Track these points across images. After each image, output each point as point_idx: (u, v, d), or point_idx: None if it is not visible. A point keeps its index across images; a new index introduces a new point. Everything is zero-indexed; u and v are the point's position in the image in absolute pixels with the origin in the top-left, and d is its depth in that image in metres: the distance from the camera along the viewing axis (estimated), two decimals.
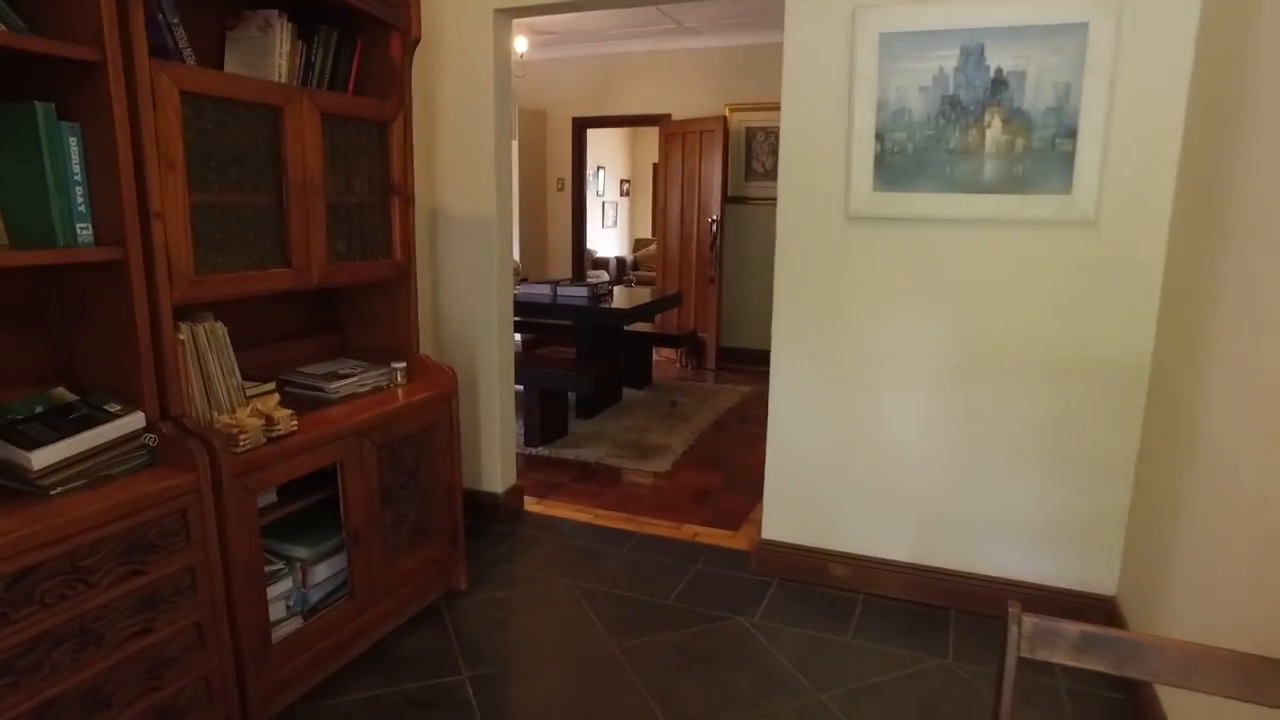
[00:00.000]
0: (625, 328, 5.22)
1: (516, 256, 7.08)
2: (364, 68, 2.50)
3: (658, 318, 6.32)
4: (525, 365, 4.38)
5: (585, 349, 4.92)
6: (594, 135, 11.39)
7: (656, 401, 5.39)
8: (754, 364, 6.64)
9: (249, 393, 2.14)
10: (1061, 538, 2.55)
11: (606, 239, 12.20)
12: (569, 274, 7.49)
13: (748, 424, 4.99)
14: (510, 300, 3.44)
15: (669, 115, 6.74)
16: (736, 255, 6.66)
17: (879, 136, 2.50)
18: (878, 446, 2.73)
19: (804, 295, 2.73)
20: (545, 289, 5.03)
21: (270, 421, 2.00)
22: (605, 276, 10.78)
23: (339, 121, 2.33)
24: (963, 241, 2.50)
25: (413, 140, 2.58)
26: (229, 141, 1.99)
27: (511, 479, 3.52)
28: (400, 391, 2.61)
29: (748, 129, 6.49)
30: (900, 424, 2.69)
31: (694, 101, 6.62)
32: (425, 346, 3.35)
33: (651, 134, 12.33)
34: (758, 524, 3.10)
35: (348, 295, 2.76)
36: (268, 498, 2.17)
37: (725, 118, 6.27)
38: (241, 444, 1.91)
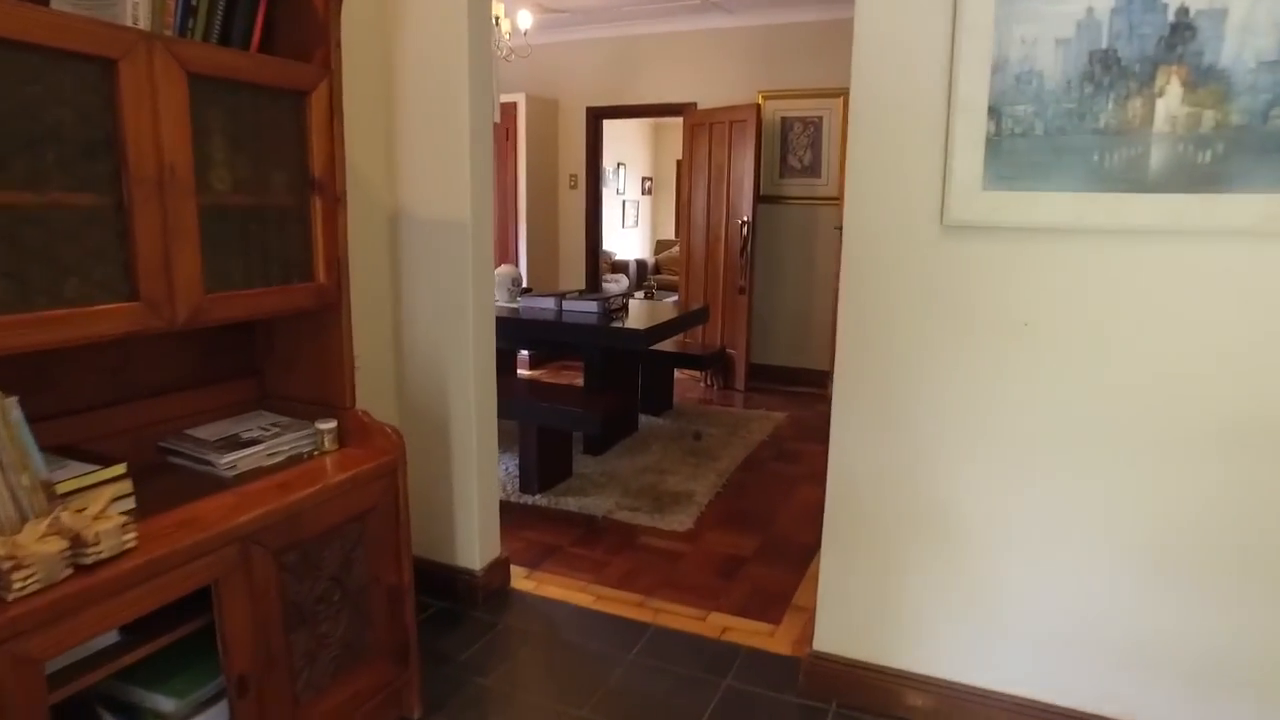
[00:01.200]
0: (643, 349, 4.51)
1: (523, 263, 6.39)
2: (274, 19, 1.81)
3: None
4: (521, 396, 3.68)
5: (595, 375, 4.21)
6: (613, 128, 10.69)
7: (678, 432, 4.66)
8: (788, 383, 5.89)
9: (70, 487, 1.45)
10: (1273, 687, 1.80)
11: (627, 240, 11.49)
12: (582, 281, 6.78)
13: (784, 462, 4.25)
14: (491, 325, 2.73)
15: (694, 104, 6.01)
16: (770, 261, 5.91)
17: (994, 112, 1.75)
18: (980, 535, 1.99)
19: (880, 332, 2.00)
20: (548, 304, 4.32)
21: (80, 542, 1.31)
22: (624, 282, 10.07)
23: (225, 89, 1.64)
24: (1119, 261, 1.75)
25: (342, 119, 1.88)
26: (23, 111, 1.30)
27: (495, 550, 2.82)
28: (328, 462, 1.92)
29: (783, 119, 5.74)
30: (1015, 506, 1.94)
31: (723, 88, 5.88)
32: (383, 388, 2.65)
33: (676, 127, 11.59)
34: (804, 614, 2.38)
35: (266, 327, 2.07)
36: (107, 637, 1.48)
37: (758, 106, 5.52)
38: (20, 586, 1.22)
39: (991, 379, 1.89)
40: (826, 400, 5.82)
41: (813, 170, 5.72)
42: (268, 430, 1.96)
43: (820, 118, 5.63)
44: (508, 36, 5.06)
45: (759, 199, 5.65)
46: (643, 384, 4.86)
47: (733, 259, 5.71)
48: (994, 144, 1.77)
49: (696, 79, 6.00)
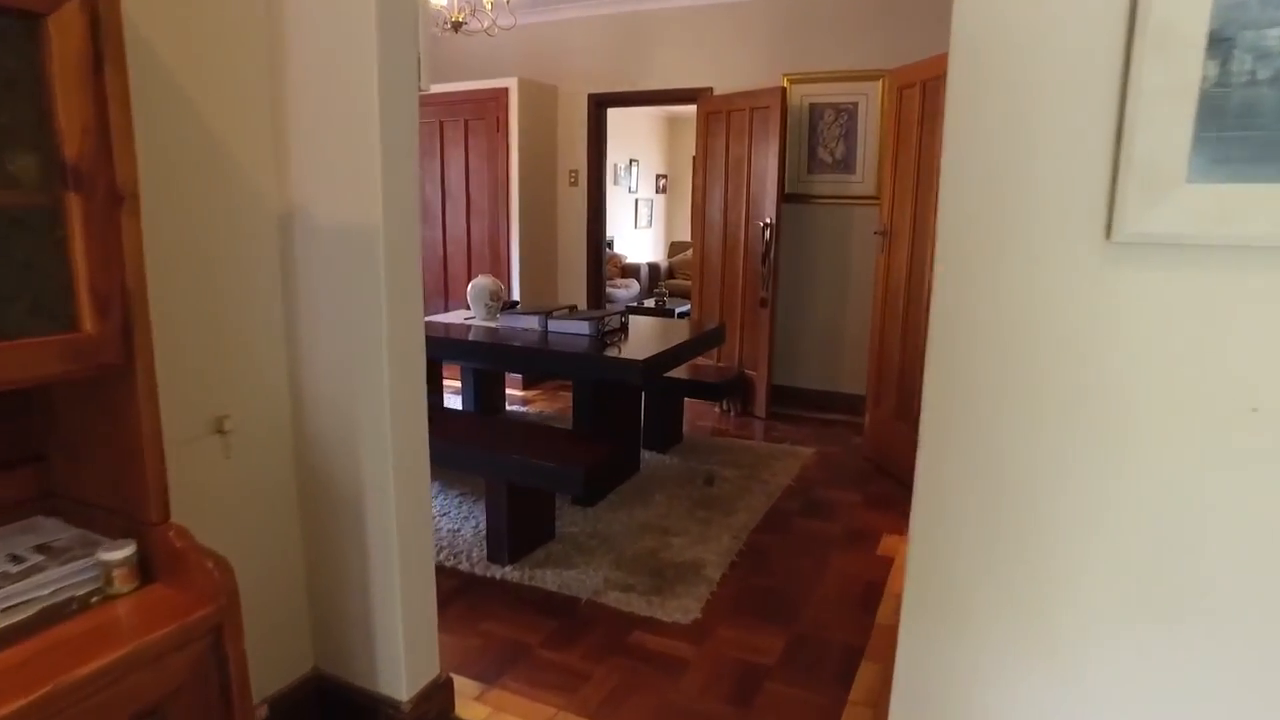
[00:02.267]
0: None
1: (515, 271, 5.67)
2: None
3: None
4: (484, 445, 2.96)
5: (585, 412, 3.48)
6: (624, 121, 9.97)
7: (687, 474, 3.93)
8: (816, 409, 5.13)
9: None
10: None
11: (640, 242, 10.76)
12: (583, 290, 6.06)
13: (814, 517, 3.50)
14: (420, 362, 2.01)
15: (710, 89, 5.27)
16: (795, 270, 5.16)
17: (1218, 43, 1.01)
18: None
19: (998, 400, 1.24)
20: (532, 323, 3.60)
21: None
22: (635, 288, 9.34)
23: None
24: None
25: (123, 66, 1.16)
26: None
27: (430, 669, 2.09)
28: (121, 608, 1.21)
29: (812, 106, 4.98)
30: (1233, 683, 1.19)
31: (742, 71, 5.14)
32: (272, 456, 1.93)
33: (693, 120, 10.85)
34: None
35: (45, 398, 1.36)
36: None
37: (783, 91, 4.77)
38: None
39: (1183, 504, 1.14)
40: (861, 430, 5.18)
41: (845, 165, 4.96)
42: (24, 559, 1.26)
43: (855, 104, 4.87)
44: (490, 8, 4.34)
45: (783, 198, 4.90)
46: (646, 413, 4.13)
47: (753, 266, 4.96)
48: (1213, 102, 1.01)
49: (713, 61, 5.26)
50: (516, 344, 3.39)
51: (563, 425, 4.12)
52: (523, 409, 5.06)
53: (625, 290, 9.18)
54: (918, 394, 1.30)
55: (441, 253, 5.92)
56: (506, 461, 2.85)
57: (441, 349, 3.47)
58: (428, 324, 3.76)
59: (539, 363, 3.22)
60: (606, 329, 3.48)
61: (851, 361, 5.10)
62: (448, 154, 5.75)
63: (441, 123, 5.72)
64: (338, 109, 1.77)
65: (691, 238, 6.12)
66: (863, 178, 4.92)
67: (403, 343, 1.89)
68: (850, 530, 3.37)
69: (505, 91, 5.41)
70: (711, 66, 5.26)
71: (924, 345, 1.27)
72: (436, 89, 5.62)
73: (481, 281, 3.84)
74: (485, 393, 4.52)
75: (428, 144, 5.81)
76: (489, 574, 2.90)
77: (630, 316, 3.78)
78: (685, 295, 9.15)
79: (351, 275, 1.83)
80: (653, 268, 10.03)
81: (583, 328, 3.45)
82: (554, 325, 3.52)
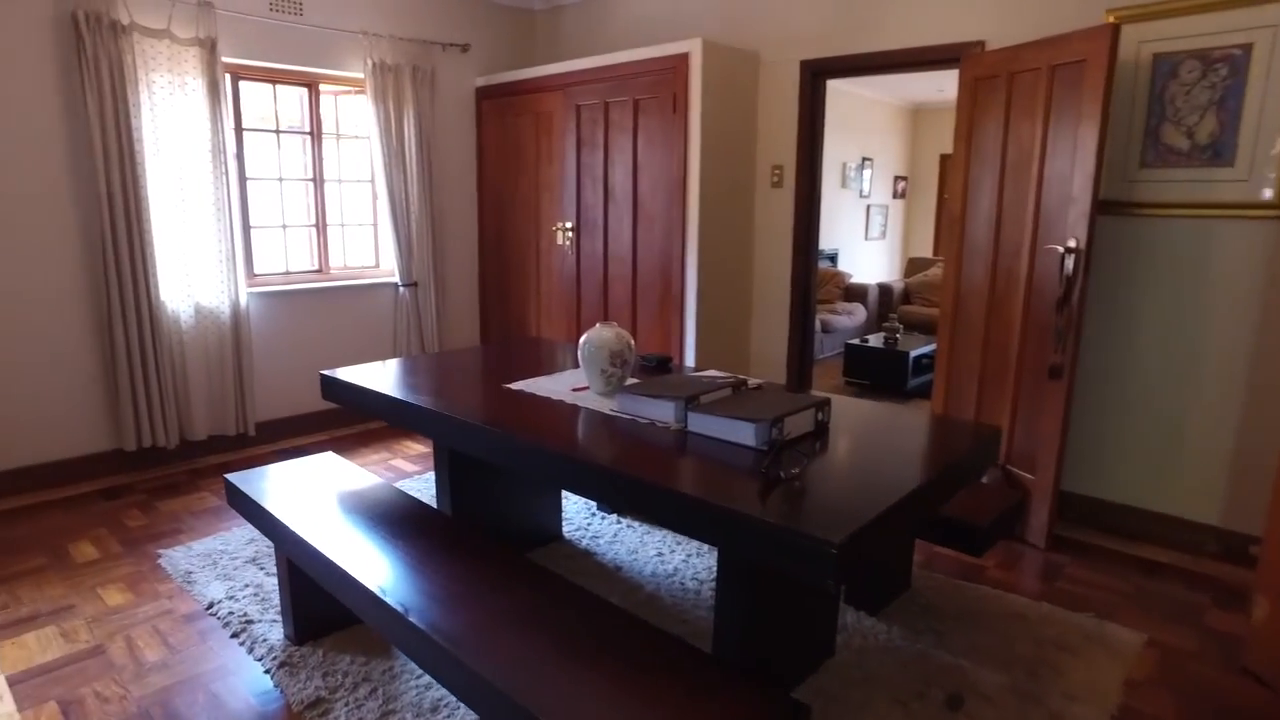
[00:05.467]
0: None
1: (689, 300, 4.25)
2: None
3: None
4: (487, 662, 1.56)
5: (736, 595, 1.98)
6: (858, 112, 8.20)
7: (916, 674, 2.30)
8: (1132, 540, 3.22)
9: None
10: None
11: (870, 257, 8.94)
12: (784, 322, 4.52)
13: None
14: None
15: (980, 44, 3.54)
16: (1112, 321, 3.31)
17: None
18: None
19: None
20: (661, 411, 2.16)
21: None
22: (860, 315, 7.58)
23: None
24: None
25: None
26: None
27: None
28: None
29: (1158, 59, 3.11)
30: None
31: (1035, 11, 3.37)
32: None
33: (944, 112, 8.86)
34: None
35: None
36: None
37: (1112, 33, 2.93)
38: None
39: None
40: (1234, 600, 2.72)
41: (1216, 153, 3.03)
42: None
43: (1240, 51, 2.94)
44: None
45: (1099, 207, 3.07)
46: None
47: (1039, 315, 3.18)
48: None
49: (986, 0, 3.53)
50: (612, 456, 1.96)
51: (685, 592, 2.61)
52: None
53: (848, 318, 7.47)
54: None
55: (602, 272, 4.66)
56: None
57: (498, 449, 2.13)
58: (517, 394, 2.44)
59: (652, 502, 1.77)
60: (784, 438, 1.97)
61: (1204, 470, 3.15)
62: (613, 144, 4.47)
63: (606, 104, 4.44)
64: None
65: (938, 254, 4.33)
66: (1248, 172, 2.97)
67: None
68: None
69: (684, 59, 4.01)
70: (984, 8, 3.52)
71: None
72: (601, 61, 4.35)
73: (599, 336, 2.47)
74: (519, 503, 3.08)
75: (589, 132, 4.56)
76: None
77: (831, 405, 2.21)
78: (925, 328, 7.26)
79: None
80: (884, 290, 8.20)
81: (744, 432, 1.96)
82: (701, 421, 2.06)
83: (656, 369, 2.88)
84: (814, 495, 1.66)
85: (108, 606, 2.80)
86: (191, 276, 4.04)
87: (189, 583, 2.92)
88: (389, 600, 1.81)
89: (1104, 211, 3.22)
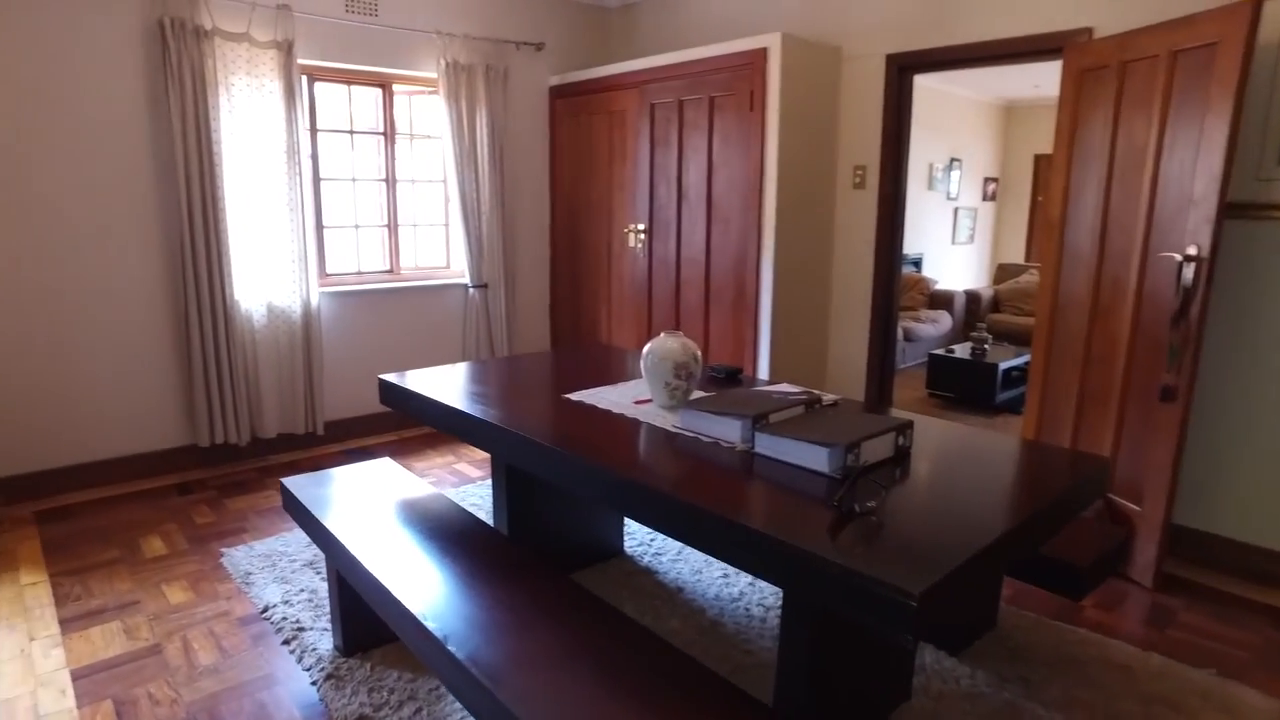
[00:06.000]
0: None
1: (765, 308, 4.07)
2: None
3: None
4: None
5: (799, 637, 1.80)
6: (946, 110, 7.81)
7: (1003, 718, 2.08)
8: (1256, 582, 2.88)
9: None
10: None
11: (957, 263, 8.54)
12: (864, 333, 4.28)
13: None
14: None
15: (1087, 31, 3.25)
16: (1237, 338, 2.98)
17: None
18: None
19: None
20: (726, 430, 2.00)
21: None
22: (945, 323, 7.23)
23: None
24: None
25: None
26: None
27: None
28: None
29: None
30: None
31: None
32: None
33: (1041, 110, 8.37)
34: None
35: None
36: None
37: (1251, 13, 2.61)
38: None
39: None
40: None
41: None
42: None
43: None
44: None
45: (1226, 211, 2.76)
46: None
47: (1152, 330, 2.88)
48: None
49: None
50: (669, 479, 1.81)
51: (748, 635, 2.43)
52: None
53: (932, 326, 7.12)
54: None
55: (674, 276, 4.51)
56: None
57: (544, 463, 2.00)
58: (576, 405, 2.32)
59: (709, 533, 1.62)
60: (859, 464, 1.78)
61: None
62: (688, 143, 4.32)
63: (681, 103, 4.30)
64: None
65: (1030, 256, 4.05)
66: None
67: None
68: None
69: (762, 55, 3.83)
70: None
71: None
72: (676, 58, 4.20)
73: (664, 346, 2.32)
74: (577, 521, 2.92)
75: (663, 131, 4.43)
76: None
77: (914, 428, 2.00)
78: (1015, 338, 6.86)
79: None
80: (971, 297, 7.80)
81: (816, 457, 1.78)
82: (769, 442, 1.89)
83: (725, 381, 2.72)
84: (892, 533, 1.47)
85: (169, 604, 2.81)
86: (265, 276, 4.08)
87: (247, 584, 2.90)
88: (428, 625, 1.71)
89: (1231, 215, 2.90)
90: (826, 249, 4.31)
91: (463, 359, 5.03)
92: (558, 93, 5.14)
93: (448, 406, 2.37)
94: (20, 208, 3.53)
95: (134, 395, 3.91)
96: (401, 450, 4.49)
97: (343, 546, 2.13)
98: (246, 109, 3.90)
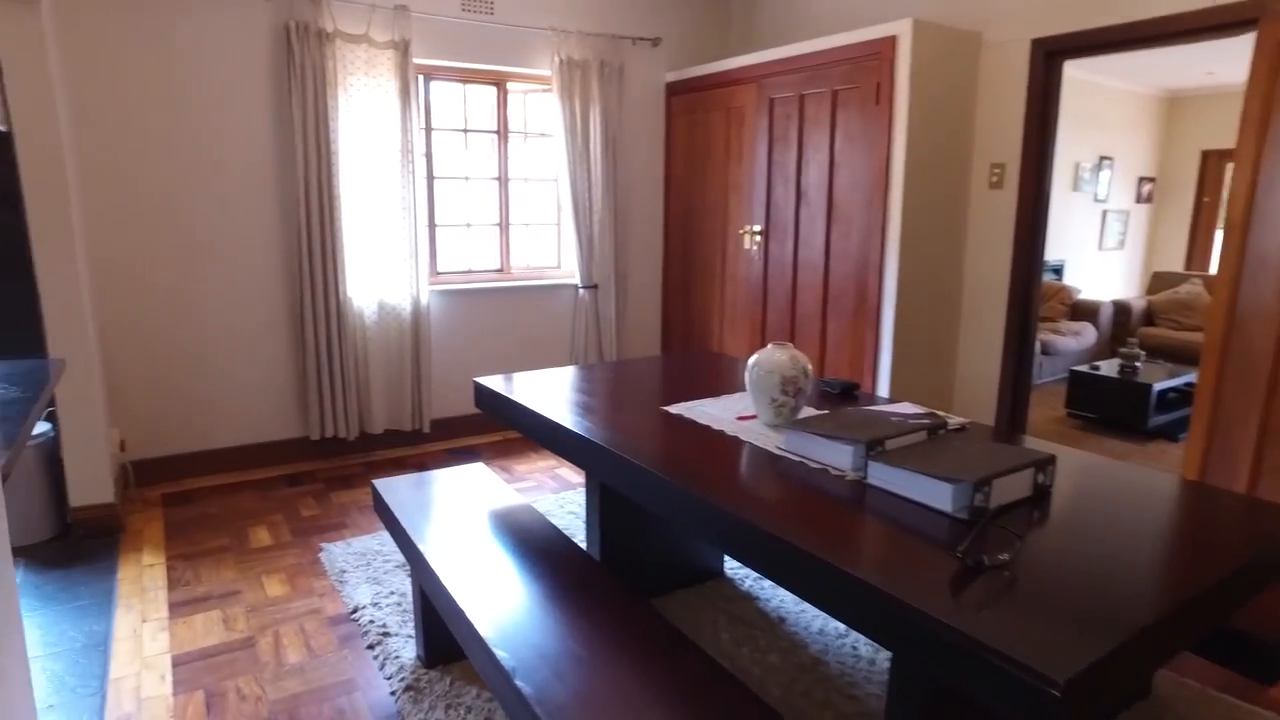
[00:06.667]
0: None
1: (887, 319, 3.77)
2: None
3: None
4: None
5: (910, 711, 1.57)
6: (1095, 102, 7.11)
7: None
8: None
9: None
10: None
11: (1103, 270, 7.83)
12: (998, 346, 3.91)
13: None
14: None
15: None
16: None
17: None
18: None
19: None
20: (836, 455, 1.78)
21: None
22: (1090, 335, 6.63)
23: None
24: None
25: None
26: None
27: None
28: None
29: None
30: None
31: None
32: None
33: (1209, 102, 7.54)
34: None
35: None
36: None
37: None
38: None
39: None
40: None
41: None
42: None
43: None
44: None
45: None
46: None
47: None
48: None
49: None
50: (767, 510, 1.61)
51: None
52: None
53: (1074, 339, 6.53)
54: None
55: (790, 280, 4.27)
56: None
57: (640, 485, 1.84)
58: (674, 419, 2.16)
59: (808, 577, 1.41)
60: (989, 505, 1.53)
61: None
62: (808, 140, 4.07)
63: (802, 97, 4.06)
64: None
65: (1215, 286, 3.59)
66: None
67: None
68: None
69: (890, 44, 3.54)
70: None
71: None
72: (797, 50, 3.97)
73: (771, 358, 2.12)
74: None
75: (782, 128, 4.20)
76: None
77: (1056, 463, 1.71)
78: (1172, 355, 6.20)
79: None
80: (1119, 308, 7.12)
81: (939, 494, 1.54)
82: (884, 473, 1.67)
83: (839, 398, 2.48)
84: (1029, 595, 1.23)
85: (267, 597, 2.84)
86: (376, 274, 4.13)
87: (341, 582, 2.90)
88: (498, 654, 1.58)
89: None
90: (957, 254, 3.96)
91: (570, 361, 4.96)
92: (673, 89, 4.99)
93: (539, 416, 2.25)
94: (165, 213, 3.70)
95: (254, 387, 4.03)
96: (504, 452, 4.46)
97: (423, 556, 2.05)
98: (364, 109, 3.96)
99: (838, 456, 1.79)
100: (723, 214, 4.73)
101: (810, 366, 2.14)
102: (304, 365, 4.06)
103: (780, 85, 4.17)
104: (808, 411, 2.24)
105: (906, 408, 2.18)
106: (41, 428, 3.36)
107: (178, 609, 2.76)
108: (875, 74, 3.63)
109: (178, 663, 2.45)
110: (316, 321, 3.97)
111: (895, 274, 3.71)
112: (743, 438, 2.05)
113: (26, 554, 3.19)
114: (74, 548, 3.23)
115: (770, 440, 2.01)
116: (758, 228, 4.44)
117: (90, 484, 3.33)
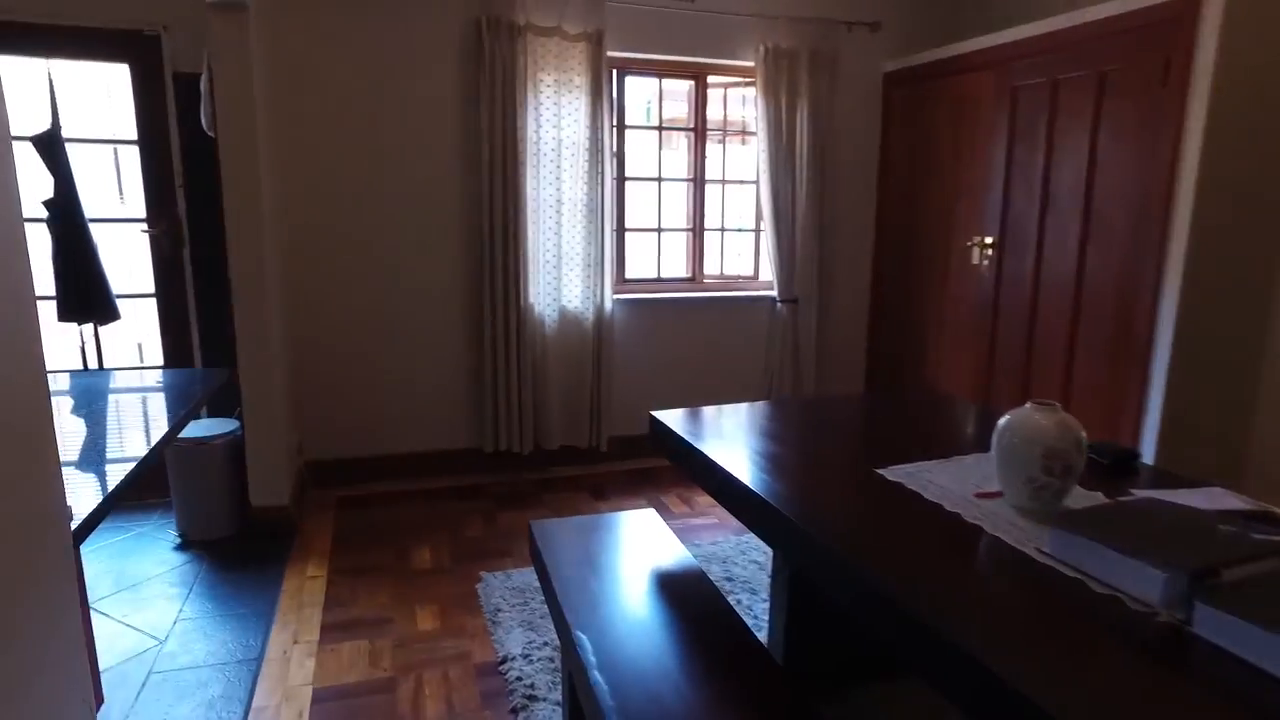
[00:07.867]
0: None
1: (1164, 347, 2.98)
2: None
3: None
4: None
5: None
6: None
7: None
8: None
9: None
10: None
11: None
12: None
13: None
14: None
15: None
16: None
17: None
18: None
19: None
20: (1137, 578, 1.22)
21: None
22: None
23: None
24: None
25: None
26: None
27: None
28: None
29: None
30: None
31: None
32: None
33: None
34: None
35: None
36: None
37: None
38: None
39: None
40: None
41: None
42: None
43: None
44: None
45: None
46: None
47: None
48: None
49: None
50: (1017, 654, 1.09)
51: None
52: None
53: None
54: None
55: (1029, 302, 3.56)
56: None
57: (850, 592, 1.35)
58: (892, 488, 1.65)
59: None
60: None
61: None
62: (1060, 134, 3.35)
63: (1055, 83, 3.34)
64: None
65: None
66: None
67: None
68: None
69: (1194, 8, 2.77)
70: None
71: None
72: (1052, 25, 3.29)
73: (1030, 422, 1.55)
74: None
75: (1026, 122, 3.50)
76: None
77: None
78: None
79: None
80: None
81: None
82: (1222, 625, 1.09)
83: (1111, 472, 1.85)
84: None
85: (417, 631, 2.63)
86: (559, 278, 3.90)
87: (495, 622, 2.64)
88: None
89: None
90: (1266, 282, 3.08)
91: (764, 383, 4.49)
92: (893, 80, 4.39)
93: (725, 473, 1.81)
94: (354, 223, 3.68)
95: (432, 394, 3.94)
96: (681, 482, 4.05)
97: (574, 645, 1.70)
98: (553, 105, 3.73)
99: (1140, 583, 1.22)
100: (946, 223, 4.07)
101: (1084, 437, 1.56)
102: (480, 371, 3.91)
103: (1026, 70, 3.48)
104: (1077, 494, 1.65)
105: (1220, 495, 1.55)
106: (229, 425, 3.40)
107: (329, 633, 2.62)
108: (1164, 47, 2.87)
109: (317, 699, 2.28)
110: (495, 325, 3.80)
111: (1175, 302, 2.93)
112: (984, 526, 1.51)
113: (209, 549, 3.23)
114: (250, 548, 3.23)
115: (1025, 535, 1.46)
116: (990, 239, 3.76)
117: (270, 486, 3.33)
